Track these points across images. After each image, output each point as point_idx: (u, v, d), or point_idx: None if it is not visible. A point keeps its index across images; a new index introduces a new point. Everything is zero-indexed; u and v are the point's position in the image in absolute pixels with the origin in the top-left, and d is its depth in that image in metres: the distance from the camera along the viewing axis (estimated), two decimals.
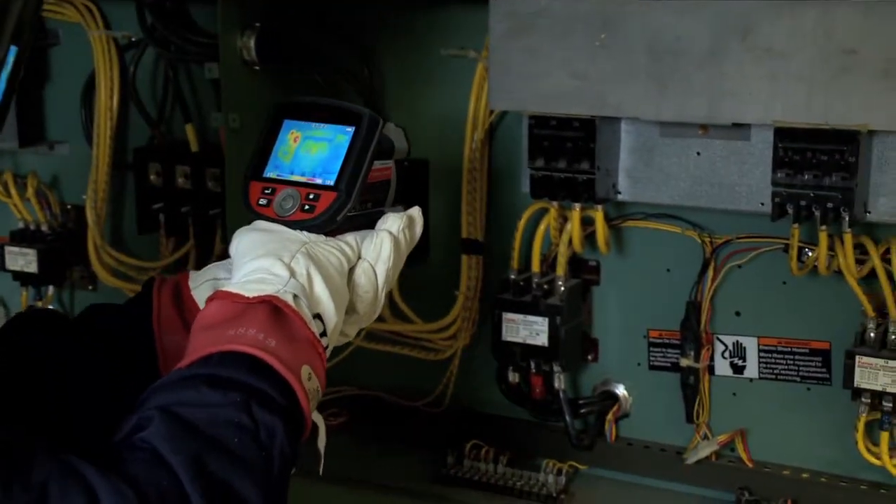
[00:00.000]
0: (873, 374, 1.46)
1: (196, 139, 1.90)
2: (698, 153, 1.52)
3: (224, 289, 0.99)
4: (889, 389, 1.46)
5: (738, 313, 1.62)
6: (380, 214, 1.12)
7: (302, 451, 0.96)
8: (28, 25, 0.92)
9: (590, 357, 1.73)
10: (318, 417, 1.00)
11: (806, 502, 1.60)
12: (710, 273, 1.59)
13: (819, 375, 1.59)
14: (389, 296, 1.80)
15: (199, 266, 1.19)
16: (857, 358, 1.47)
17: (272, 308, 0.97)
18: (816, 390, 1.60)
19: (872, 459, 1.52)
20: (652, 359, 1.69)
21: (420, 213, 1.15)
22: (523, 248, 1.66)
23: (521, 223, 1.65)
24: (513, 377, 1.70)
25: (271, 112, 1.12)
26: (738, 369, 1.63)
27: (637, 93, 1.45)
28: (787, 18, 1.36)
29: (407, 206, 1.15)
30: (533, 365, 1.66)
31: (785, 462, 1.64)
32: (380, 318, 1.80)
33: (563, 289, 1.63)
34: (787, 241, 1.49)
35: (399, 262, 1.11)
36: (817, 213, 1.39)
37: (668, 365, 1.67)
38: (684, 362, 1.62)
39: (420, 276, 1.78)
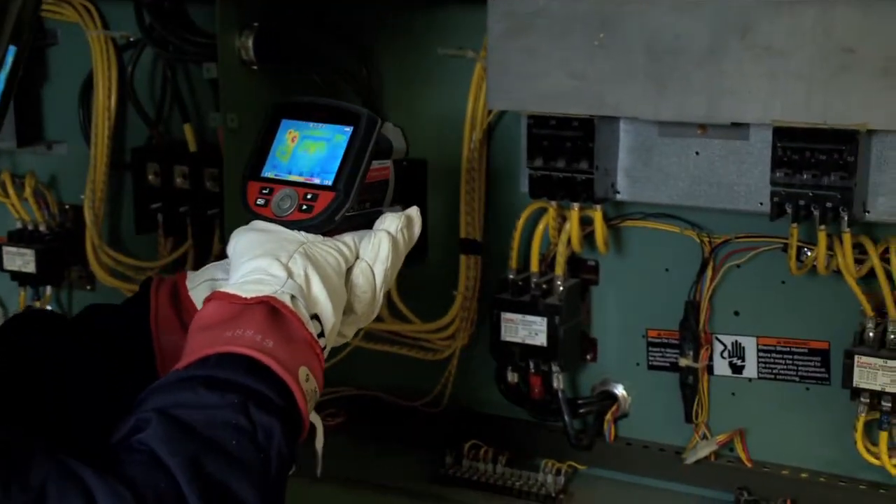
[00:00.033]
0: (872, 373, 1.46)
1: (194, 139, 1.90)
2: (697, 153, 1.52)
3: (221, 289, 0.99)
4: (888, 389, 1.46)
5: (736, 313, 1.62)
6: (378, 214, 1.11)
7: (300, 452, 0.96)
8: (27, 25, 0.92)
9: (588, 357, 1.73)
10: (315, 418, 1.00)
11: (805, 502, 1.60)
12: (709, 273, 1.59)
13: (818, 375, 1.59)
14: (388, 296, 1.80)
15: (198, 266, 1.19)
16: (856, 358, 1.47)
17: (270, 309, 0.96)
18: (815, 390, 1.60)
19: (871, 459, 1.52)
20: (651, 359, 1.69)
21: (418, 213, 1.15)
22: (522, 248, 1.66)
23: (520, 223, 1.65)
24: (511, 377, 1.69)
25: (269, 112, 1.12)
26: (736, 369, 1.63)
27: (636, 92, 1.45)
28: (787, 17, 1.36)
29: (405, 206, 1.15)
30: (532, 365, 1.66)
31: (784, 462, 1.64)
32: (378, 318, 1.79)
33: (561, 288, 1.63)
34: (785, 240, 1.48)
35: (397, 262, 1.11)
36: (816, 213, 1.39)
37: (667, 365, 1.67)
38: (683, 362, 1.62)
39: (418, 276, 1.78)
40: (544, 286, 1.63)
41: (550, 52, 1.48)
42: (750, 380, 1.63)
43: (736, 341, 1.63)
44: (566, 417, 1.67)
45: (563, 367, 1.65)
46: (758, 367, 1.62)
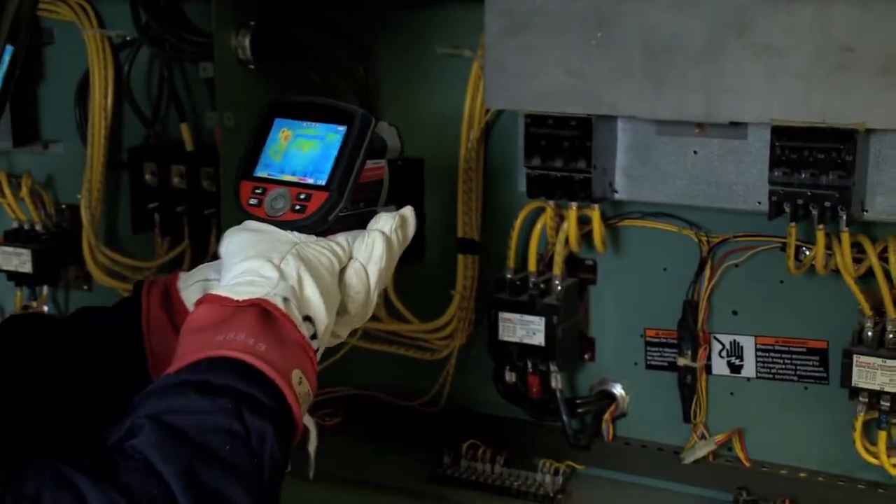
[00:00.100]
0: (871, 373, 1.46)
1: (191, 138, 1.90)
2: (695, 152, 1.51)
3: (213, 292, 0.99)
4: (887, 388, 1.45)
5: (735, 312, 1.62)
6: (372, 214, 1.11)
7: (294, 454, 0.96)
8: (24, 24, 0.92)
9: (587, 356, 1.73)
10: (309, 421, 1.00)
11: (804, 502, 1.60)
12: (707, 272, 1.59)
13: (816, 374, 1.59)
14: (385, 295, 1.79)
15: (195, 266, 1.18)
16: (855, 357, 1.46)
17: (261, 311, 0.96)
18: (814, 389, 1.59)
19: (870, 459, 1.52)
20: (649, 358, 1.68)
21: (412, 213, 1.14)
22: (519, 248, 1.65)
23: (518, 222, 1.64)
24: (509, 377, 1.69)
25: (263, 111, 1.11)
26: (735, 368, 1.63)
27: (633, 91, 1.45)
28: (784, 15, 1.36)
29: (400, 206, 1.14)
30: (529, 364, 1.65)
31: (782, 461, 1.63)
32: (376, 318, 1.81)
33: (559, 288, 1.63)
34: (784, 239, 1.48)
35: (391, 262, 1.10)
36: (814, 212, 1.39)
37: (665, 364, 1.67)
38: (681, 361, 1.62)
39: (416, 275, 1.77)
40: (542, 286, 1.63)
41: (548, 51, 1.48)
42: (748, 379, 1.63)
43: (734, 341, 1.62)
44: (564, 417, 1.67)
45: (561, 367, 1.64)
46: (756, 367, 1.62)
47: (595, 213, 1.58)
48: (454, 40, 1.67)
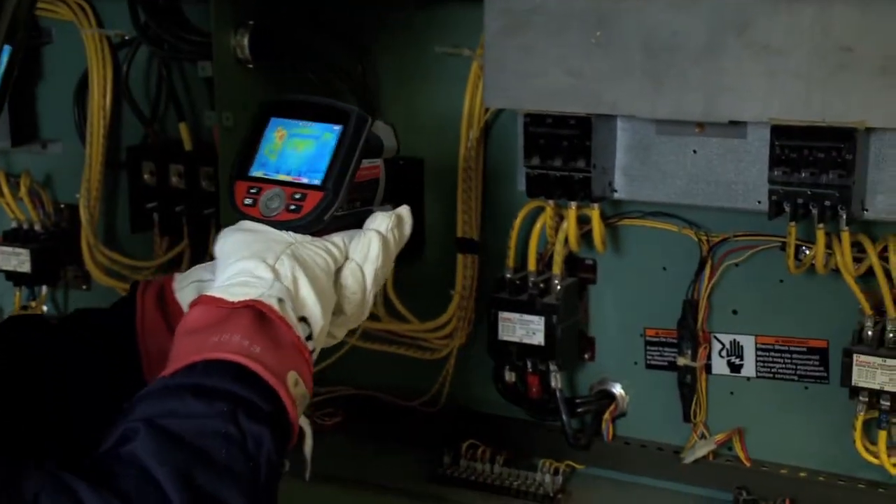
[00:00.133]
0: (871, 372, 1.46)
1: (190, 138, 1.89)
2: (695, 151, 1.51)
3: (207, 293, 0.98)
4: (887, 388, 1.45)
5: (735, 312, 1.61)
6: (368, 214, 1.10)
7: (290, 455, 0.95)
8: (22, 24, 0.92)
9: (586, 356, 1.72)
10: (304, 422, 0.99)
11: (804, 501, 1.60)
12: (707, 271, 1.59)
13: (816, 374, 1.59)
14: (385, 295, 1.79)
15: (194, 265, 1.18)
16: (855, 356, 1.46)
17: (256, 313, 0.95)
18: (814, 389, 1.59)
19: (870, 458, 1.52)
20: (649, 357, 1.68)
21: (409, 212, 1.13)
22: (519, 247, 1.65)
23: (517, 222, 1.64)
24: (509, 376, 1.69)
25: (258, 110, 1.11)
26: (735, 368, 1.63)
27: (633, 90, 1.45)
28: (785, 15, 1.35)
29: (397, 205, 1.14)
30: (529, 364, 1.65)
31: (783, 461, 1.63)
32: (375, 318, 1.81)
33: (559, 287, 1.62)
34: (784, 239, 1.48)
35: (388, 262, 1.10)
36: (814, 211, 1.39)
37: (665, 364, 1.66)
38: (681, 361, 1.61)
39: (415, 275, 1.78)
40: (542, 285, 1.63)
41: (547, 50, 1.48)
42: (748, 379, 1.63)
43: (734, 340, 1.62)
44: (564, 417, 1.67)
45: (561, 367, 1.64)
46: (756, 366, 1.62)
47: (595, 213, 1.58)
48: (453, 39, 1.67)
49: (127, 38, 1.91)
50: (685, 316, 1.60)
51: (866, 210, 1.42)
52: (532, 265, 1.64)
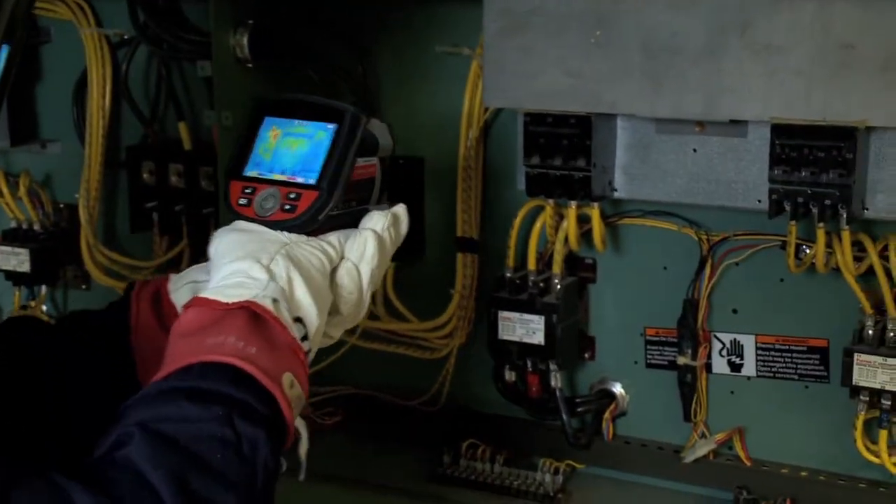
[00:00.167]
0: (872, 371, 1.46)
1: (189, 137, 1.89)
2: (695, 150, 1.51)
3: (201, 294, 0.97)
4: (887, 387, 1.45)
5: (735, 311, 1.61)
6: (364, 213, 1.09)
7: (286, 456, 0.95)
8: (20, 23, 0.91)
9: (586, 355, 1.72)
10: (300, 424, 0.98)
11: (804, 501, 1.59)
12: (707, 270, 1.59)
13: (817, 373, 1.58)
14: (384, 294, 1.79)
15: (193, 265, 1.17)
16: (856, 356, 1.46)
17: (251, 314, 0.95)
18: (814, 388, 1.59)
19: (871, 457, 1.52)
20: (649, 357, 1.68)
21: (405, 211, 1.12)
22: (519, 246, 1.65)
23: (517, 221, 1.64)
24: (509, 376, 1.69)
25: (252, 109, 1.10)
26: (735, 367, 1.62)
27: (632, 90, 1.44)
28: (785, 13, 1.35)
29: (393, 204, 1.13)
30: (529, 363, 1.65)
31: (783, 460, 1.63)
32: (375, 317, 1.81)
33: (559, 287, 1.62)
34: (784, 238, 1.48)
35: (384, 261, 1.09)
36: (815, 211, 1.39)
37: (666, 363, 1.66)
38: (681, 360, 1.61)
39: (415, 274, 1.77)
40: (542, 284, 1.63)
41: (547, 50, 1.48)
42: (749, 378, 1.63)
43: (734, 339, 1.62)
44: (564, 416, 1.66)
45: (561, 366, 1.64)
46: (756, 366, 1.61)
47: (594, 212, 1.58)
48: (453, 39, 1.67)
49: (126, 37, 1.91)
50: (685, 315, 1.60)
51: (867, 209, 1.42)
52: (532, 264, 1.64)
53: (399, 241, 1.11)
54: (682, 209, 1.58)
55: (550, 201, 1.59)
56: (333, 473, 1.72)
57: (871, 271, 1.46)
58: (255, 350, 0.92)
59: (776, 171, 1.39)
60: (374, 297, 1.78)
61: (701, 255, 1.58)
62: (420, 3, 1.70)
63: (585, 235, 1.61)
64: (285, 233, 1.04)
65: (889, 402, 1.46)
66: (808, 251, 1.48)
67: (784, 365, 1.60)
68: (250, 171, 1.07)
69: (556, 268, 1.62)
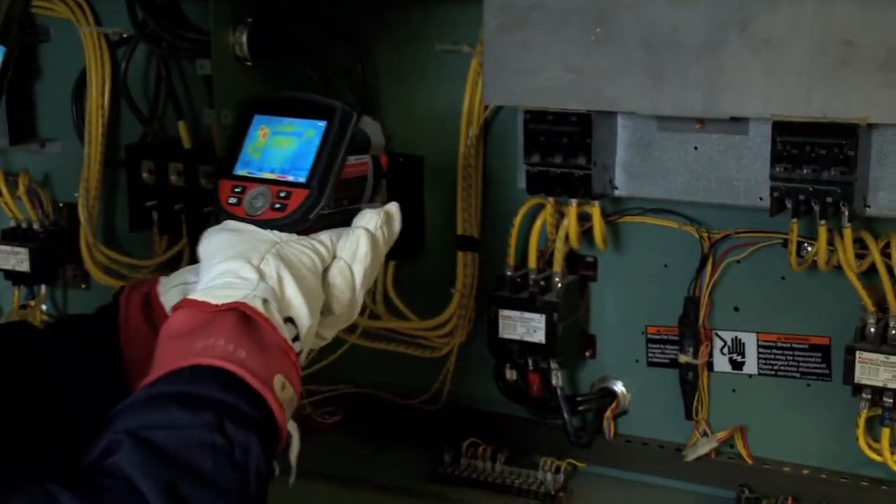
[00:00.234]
0: (874, 369, 1.45)
1: (188, 136, 1.89)
2: (696, 148, 1.51)
3: (190, 296, 0.97)
4: (890, 385, 1.45)
5: (736, 309, 1.61)
6: (356, 212, 1.08)
7: (279, 458, 0.94)
8: (16, 23, 0.91)
9: (587, 354, 1.72)
10: (292, 426, 0.97)
11: (806, 499, 1.59)
12: (709, 268, 1.58)
13: (819, 371, 1.58)
14: (385, 293, 1.79)
15: (193, 264, 1.17)
16: (858, 353, 1.46)
17: (241, 315, 0.94)
18: (816, 386, 1.59)
19: (873, 455, 1.51)
20: (650, 355, 1.68)
21: (398, 209, 1.11)
22: (519, 245, 1.65)
23: (517, 219, 1.64)
24: (510, 374, 1.69)
25: (241, 108, 1.10)
26: (737, 365, 1.62)
27: (633, 87, 1.44)
28: (786, 10, 1.34)
29: (384, 202, 1.12)
30: (530, 362, 1.65)
31: (785, 458, 1.63)
32: (375, 316, 1.80)
33: (559, 285, 1.62)
34: (785, 235, 1.47)
35: (377, 260, 1.08)
36: (816, 208, 1.38)
37: (667, 361, 1.66)
38: (683, 358, 1.61)
39: (416, 272, 1.77)
40: (542, 283, 1.62)
41: (547, 47, 1.47)
42: (750, 376, 1.62)
43: (736, 337, 1.61)
44: (565, 415, 1.66)
45: (562, 365, 1.64)
46: (758, 364, 1.61)
47: (595, 210, 1.57)
48: (453, 37, 1.67)
49: (125, 36, 1.90)
50: (686, 313, 1.60)
51: (868, 206, 1.41)
52: (532, 263, 1.63)
53: (392, 240, 1.10)
54: (683, 207, 1.57)
55: (551, 199, 1.59)
56: (334, 473, 1.72)
57: (872, 269, 1.46)
58: (245, 352, 0.91)
59: (777, 169, 1.39)
60: (374, 295, 1.78)
61: (702, 253, 1.58)
62: (419, 0, 1.70)
63: (586, 233, 1.61)
64: (276, 232, 1.03)
65: (891, 400, 1.46)
66: (809, 249, 1.47)
67: (786, 363, 1.59)
68: (240, 170, 1.06)
69: (557, 266, 1.62)
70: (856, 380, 1.46)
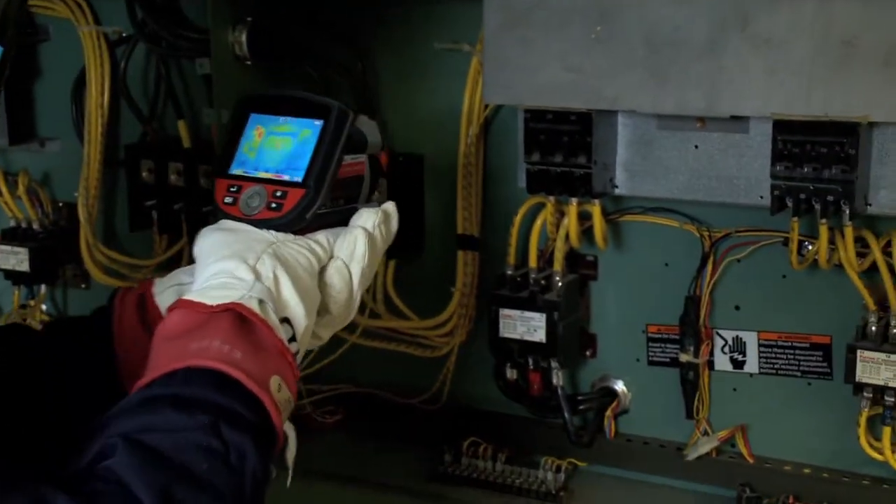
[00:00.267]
0: (875, 368, 1.45)
1: (188, 135, 1.88)
2: (696, 146, 1.50)
3: (185, 296, 0.96)
4: (891, 384, 1.44)
5: (737, 307, 1.61)
6: (353, 211, 1.08)
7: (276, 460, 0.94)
8: (12, 23, 0.91)
9: (588, 353, 1.72)
10: (289, 427, 0.96)
11: (808, 498, 1.59)
12: (709, 267, 1.58)
13: (820, 370, 1.58)
14: (385, 292, 1.79)
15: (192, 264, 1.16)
16: (859, 352, 1.45)
17: (237, 316, 0.93)
18: (817, 385, 1.58)
19: (875, 454, 1.51)
20: (651, 354, 1.67)
21: (395, 208, 1.11)
22: (520, 244, 1.64)
23: (518, 218, 1.63)
24: (510, 374, 1.68)
25: (236, 106, 1.09)
26: (738, 364, 1.62)
27: (634, 85, 1.44)
28: (786, 9, 1.34)
29: (382, 202, 1.11)
30: (531, 361, 1.64)
31: (786, 458, 1.62)
32: (375, 315, 1.80)
33: (560, 284, 1.61)
34: (786, 234, 1.47)
35: (375, 260, 1.07)
36: (817, 207, 1.38)
37: (668, 360, 1.66)
38: (684, 357, 1.60)
39: (416, 272, 1.77)
40: (543, 282, 1.62)
41: (547, 46, 1.47)
42: (751, 375, 1.62)
43: (737, 336, 1.61)
44: (566, 414, 1.66)
45: (563, 364, 1.64)
46: (759, 362, 1.61)
47: (596, 209, 1.57)
48: (453, 35, 1.66)
49: (124, 35, 1.90)
50: (687, 312, 1.60)
51: (869, 205, 1.41)
52: (533, 262, 1.63)
53: (390, 240, 1.10)
54: (683, 206, 1.57)
55: (551, 198, 1.59)
56: (334, 472, 1.72)
57: (874, 267, 1.46)
58: (241, 354, 0.90)
59: (778, 168, 1.38)
60: (374, 294, 1.78)
61: (703, 252, 1.58)
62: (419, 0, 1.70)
63: (586, 232, 1.61)
64: (272, 232, 1.02)
65: (892, 399, 1.45)
66: (810, 247, 1.47)
67: (787, 362, 1.59)
68: (236, 170, 1.06)
69: (558, 265, 1.61)
70: (857, 379, 1.46)
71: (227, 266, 0.97)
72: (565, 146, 1.50)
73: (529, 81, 1.49)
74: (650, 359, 1.68)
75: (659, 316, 1.65)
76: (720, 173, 1.49)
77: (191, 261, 1.74)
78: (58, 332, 1.11)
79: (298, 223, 1.03)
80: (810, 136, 1.36)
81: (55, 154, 2.06)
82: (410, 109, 1.73)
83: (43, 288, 2.12)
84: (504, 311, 1.62)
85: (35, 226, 2.07)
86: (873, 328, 1.47)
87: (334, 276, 1.03)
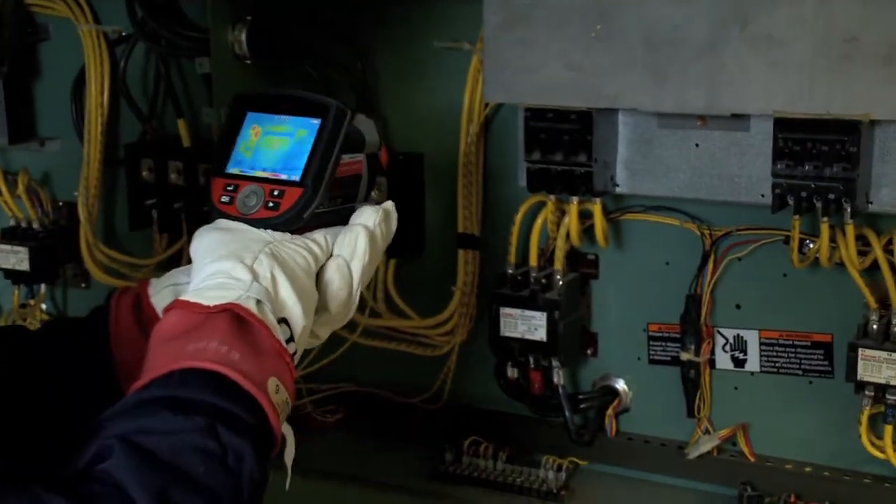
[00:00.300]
0: (876, 366, 1.45)
1: (188, 134, 1.88)
2: (697, 144, 1.50)
3: (182, 297, 0.95)
4: (892, 382, 1.44)
5: (738, 306, 1.60)
6: (351, 211, 1.07)
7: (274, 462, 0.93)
8: (7, 23, 0.90)
9: (589, 352, 1.72)
10: (287, 429, 0.95)
11: (809, 496, 1.59)
12: (710, 266, 1.58)
13: (821, 368, 1.58)
14: (386, 291, 1.78)
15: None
16: (860, 351, 1.45)
17: (234, 316, 0.92)
18: (819, 383, 1.58)
19: (876, 453, 1.51)
20: (652, 353, 1.67)
21: (394, 207, 1.10)
22: (520, 243, 1.64)
23: (518, 217, 1.63)
24: (511, 372, 1.68)
25: (233, 104, 1.08)
26: (739, 363, 1.62)
27: (634, 84, 1.43)
28: (787, 6, 1.34)
29: (381, 201, 1.11)
30: (531, 360, 1.64)
31: (787, 456, 1.62)
32: (376, 314, 1.80)
33: (561, 283, 1.61)
34: (787, 232, 1.47)
35: (375, 258, 1.06)
36: (818, 205, 1.38)
37: (669, 359, 1.65)
38: (685, 356, 1.60)
39: (416, 271, 1.77)
40: (543, 281, 1.62)
41: (547, 44, 1.46)
42: (752, 373, 1.62)
43: (738, 335, 1.61)
44: (567, 413, 1.66)
45: (564, 363, 1.63)
46: (760, 361, 1.61)
47: (596, 207, 1.57)
48: (453, 34, 1.66)
49: (124, 34, 1.90)
50: (688, 311, 1.59)
51: (871, 203, 1.41)
52: (534, 261, 1.63)
53: (390, 239, 1.09)
54: (684, 204, 1.57)
55: (552, 197, 1.58)
56: (335, 471, 1.72)
57: (875, 266, 1.45)
58: (238, 355, 0.89)
59: (779, 166, 1.38)
60: (375, 294, 1.78)
61: (704, 251, 1.58)
62: None
63: (587, 231, 1.60)
64: (269, 231, 1.01)
65: (894, 397, 1.45)
66: (811, 246, 1.47)
67: (788, 360, 1.59)
68: (233, 168, 1.05)
69: (558, 264, 1.61)
70: (858, 377, 1.46)
71: (224, 266, 0.96)
72: (566, 145, 1.50)
73: (530, 80, 1.48)
74: (651, 357, 1.67)
75: (660, 314, 1.64)
76: (721, 171, 1.49)
77: (190, 260, 1.75)
78: (57, 332, 1.10)
79: (296, 222, 1.02)
80: (811, 134, 1.35)
81: (55, 153, 2.06)
82: (410, 108, 1.73)
83: (43, 287, 2.12)
84: (505, 310, 1.62)
85: (35, 225, 2.07)
86: (874, 326, 1.46)
87: (335, 274, 1.02)
